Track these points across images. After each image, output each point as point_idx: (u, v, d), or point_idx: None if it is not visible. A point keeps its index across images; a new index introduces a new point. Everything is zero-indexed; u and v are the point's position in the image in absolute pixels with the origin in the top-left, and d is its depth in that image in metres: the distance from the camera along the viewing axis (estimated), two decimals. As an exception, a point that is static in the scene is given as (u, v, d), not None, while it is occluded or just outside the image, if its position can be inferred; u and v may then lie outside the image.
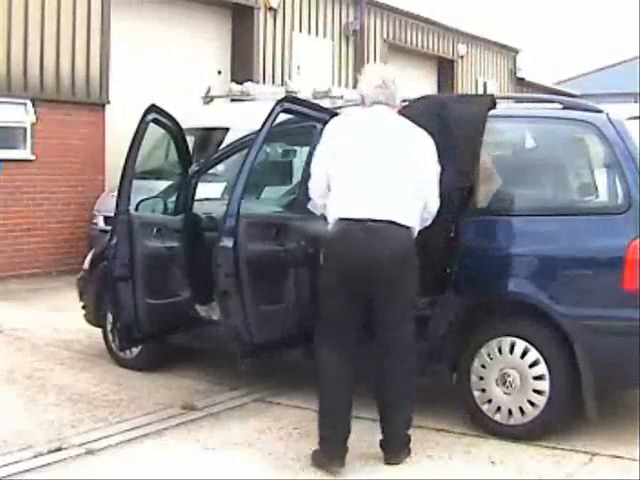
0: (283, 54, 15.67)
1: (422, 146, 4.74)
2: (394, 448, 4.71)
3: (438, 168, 4.75)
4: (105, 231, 8.74)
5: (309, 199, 4.92)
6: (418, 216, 4.66)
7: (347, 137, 4.70)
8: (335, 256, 4.56)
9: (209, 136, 10.72)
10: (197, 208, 6.41)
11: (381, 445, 4.75)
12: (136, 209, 6.06)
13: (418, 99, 5.69)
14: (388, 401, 4.71)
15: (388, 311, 4.60)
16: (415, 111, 5.57)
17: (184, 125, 6.42)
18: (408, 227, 4.57)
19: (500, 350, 5.12)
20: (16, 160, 11.17)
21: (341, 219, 4.51)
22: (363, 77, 4.90)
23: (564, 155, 5.54)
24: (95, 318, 6.87)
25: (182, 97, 11.91)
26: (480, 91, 21.19)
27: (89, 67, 11.99)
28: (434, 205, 4.77)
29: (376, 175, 4.53)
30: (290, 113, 5.52)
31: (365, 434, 4.99)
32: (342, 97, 10.66)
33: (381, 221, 4.47)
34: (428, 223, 4.78)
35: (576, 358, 4.88)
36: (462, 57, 21.54)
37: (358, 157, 4.58)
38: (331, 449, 4.57)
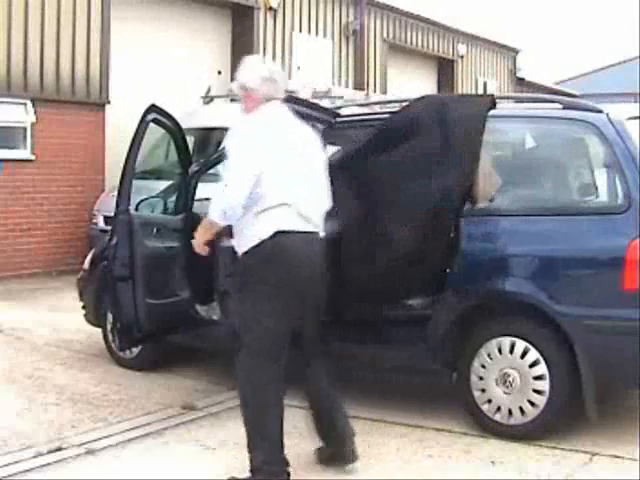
0: (283, 54, 15.67)
1: (320, 146, 4.62)
2: (351, 446, 4.58)
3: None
4: (105, 231, 8.74)
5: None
6: None
7: (270, 142, 4.31)
8: (283, 272, 4.22)
9: (209, 136, 10.72)
10: (197, 208, 6.40)
11: (328, 446, 4.62)
12: (136, 209, 6.07)
13: (418, 99, 5.70)
14: (334, 404, 4.60)
15: (317, 320, 4.55)
16: (415, 111, 5.59)
17: (184, 125, 6.42)
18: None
19: (500, 350, 5.12)
20: (16, 160, 11.17)
21: (282, 232, 4.22)
22: (245, 67, 4.55)
23: (564, 155, 5.55)
24: (95, 318, 6.87)
25: (182, 97, 11.92)
26: (480, 91, 21.19)
27: (89, 67, 11.99)
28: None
29: (303, 184, 4.35)
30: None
31: (365, 434, 5.01)
32: (342, 97, 10.66)
33: (315, 232, 4.39)
34: None
35: (576, 358, 4.88)
36: (462, 57, 21.55)
37: (286, 164, 4.30)
38: (276, 472, 4.28)
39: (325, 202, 4.53)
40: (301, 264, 4.26)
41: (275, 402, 4.29)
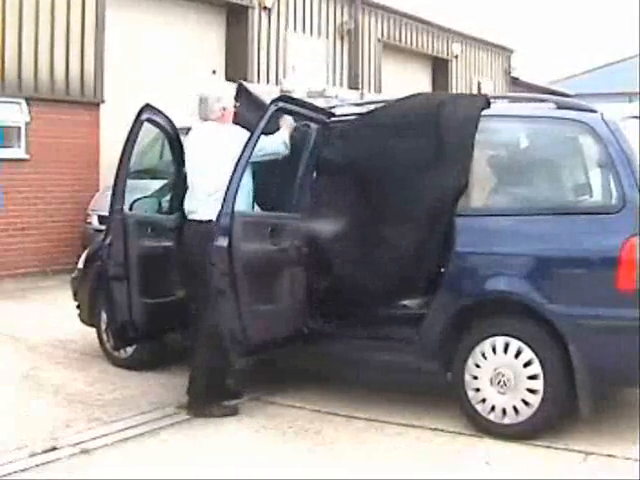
0: (277, 53, 15.67)
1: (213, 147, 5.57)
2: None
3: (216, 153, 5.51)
4: (99, 230, 8.72)
5: None
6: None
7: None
8: None
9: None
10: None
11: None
12: (130, 208, 6.06)
13: (410, 97, 5.71)
14: None
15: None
16: (410, 110, 5.60)
17: (178, 124, 6.41)
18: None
19: (494, 349, 5.12)
20: (10, 159, 11.15)
21: None
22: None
23: (558, 155, 5.54)
24: (89, 317, 6.85)
25: (176, 96, 11.89)
26: (474, 91, 21.20)
27: (83, 66, 11.97)
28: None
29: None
30: (284, 112, 5.52)
31: (361, 434, 5.02)
32: (336, 96, 10.64)
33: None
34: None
35: (570, 357, 4.89)
36: (456, 57, 21.55)
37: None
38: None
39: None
40: None
41: None
